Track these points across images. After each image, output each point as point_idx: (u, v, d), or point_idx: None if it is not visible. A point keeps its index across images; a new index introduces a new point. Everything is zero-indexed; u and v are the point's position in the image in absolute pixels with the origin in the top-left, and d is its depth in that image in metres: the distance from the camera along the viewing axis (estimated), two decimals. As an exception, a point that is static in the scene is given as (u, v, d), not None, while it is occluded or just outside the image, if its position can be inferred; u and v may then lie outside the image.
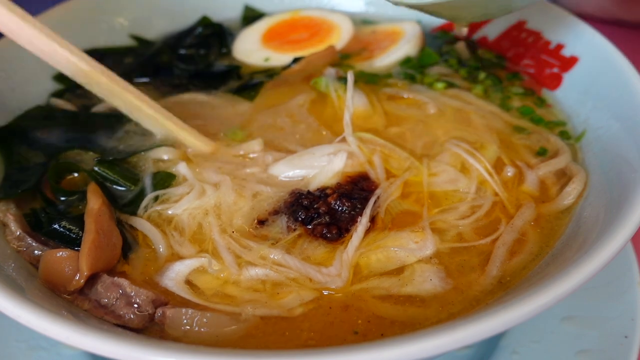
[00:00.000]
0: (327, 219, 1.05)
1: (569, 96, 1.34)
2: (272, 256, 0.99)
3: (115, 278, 0.94)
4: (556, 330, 1.13)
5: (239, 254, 1.00)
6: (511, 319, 0.74)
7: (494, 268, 0.98)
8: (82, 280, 0.92)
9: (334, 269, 0.97)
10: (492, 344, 1.13)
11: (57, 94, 1.41)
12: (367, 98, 1.34)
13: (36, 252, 1.01)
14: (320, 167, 1.14)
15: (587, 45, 1.34)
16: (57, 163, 1.17)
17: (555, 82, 1.39)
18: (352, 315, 0.92)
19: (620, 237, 0.84)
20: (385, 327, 0.91)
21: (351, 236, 1.02)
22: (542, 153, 1.22)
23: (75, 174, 1.18)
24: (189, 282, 0.98)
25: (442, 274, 0.97)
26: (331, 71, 1.42)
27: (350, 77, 1.20)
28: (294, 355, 0.73)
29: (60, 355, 1.11)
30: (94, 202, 1.06)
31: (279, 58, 1.54)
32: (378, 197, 1.08)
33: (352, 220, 1.04)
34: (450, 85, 1.41)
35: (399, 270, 0.98)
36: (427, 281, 0.95)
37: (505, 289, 0.94)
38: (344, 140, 1.17)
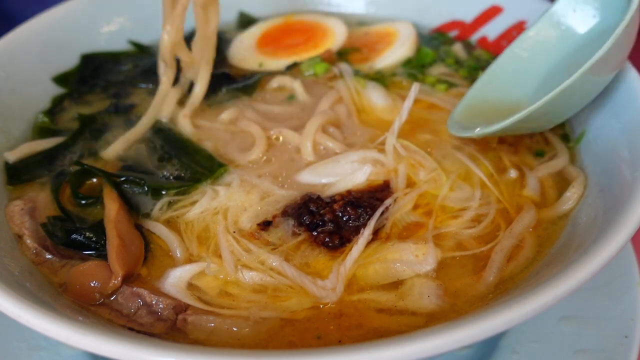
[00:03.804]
0: (332, 227, 1.03)
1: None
2: (270, 262, 0.99)
3: (135, 288, 0.95)
4: (556, 330, 1.13)
5: (239, 255, 1.00)
6: (511, 319, 0.74)
7: (490, 274, 0.97)
8: (118, 280, 0.95)
9: (329, 282, 0.96)
10: (492, 344, 1.13)
11: (59, 99, 1.41)
12: (389, 94, 1.34)
13: (54, 264, 1.02)
14: (343, 175, 1.13)
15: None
16: (79, 169, 1.17)
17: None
18: (347, 323, 0.92)
19: (620, 237, 0.84)
20: (381, 335, 0.90)
21: (351, 248, 1.00)
22: (540, 154, 1.22)
23: (94, 180, 1.18)
24: (191, 285, 0.98)
25: (440, 291, 0.95)
26: (346, 67, 1.41)
27: (414, 87, 1.14)
28: (295, 356, 0.73)
29: (60, 355, 1.11)
30: (111, 207, 1.07)
31: (274, 63, 1.53)
32: (387, 208, 1.06)
33: (356, 231, 1.02)
34: (451, 85, 1.41)
35: (396, 284, 0.97)
36: (424, 298, 0.93)
37: (501, 294, 0.94)
38: (383, 143, 1.15)
